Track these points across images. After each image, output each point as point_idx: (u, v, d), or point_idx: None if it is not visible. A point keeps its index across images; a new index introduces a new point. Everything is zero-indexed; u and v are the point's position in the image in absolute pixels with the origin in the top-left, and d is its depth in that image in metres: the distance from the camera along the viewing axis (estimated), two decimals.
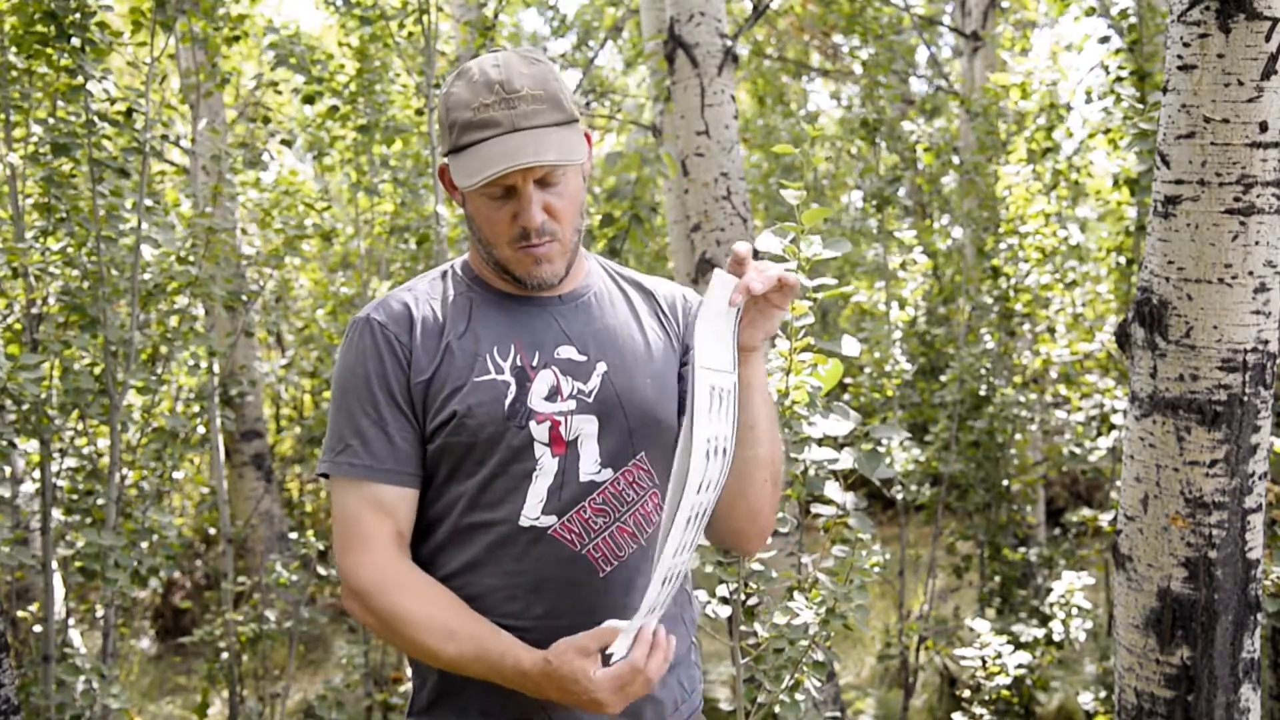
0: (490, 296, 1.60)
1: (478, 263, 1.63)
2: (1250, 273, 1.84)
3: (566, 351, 1.56)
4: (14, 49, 3.30)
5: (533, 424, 1.50)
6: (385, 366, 1.52)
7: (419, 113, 5.03)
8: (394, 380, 1.51)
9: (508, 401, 1.50)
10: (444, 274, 1.64)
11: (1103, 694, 4.40)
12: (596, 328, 1.60)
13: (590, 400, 1.54)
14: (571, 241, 1.55)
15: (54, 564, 3.48)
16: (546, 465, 1.50)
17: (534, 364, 1.54)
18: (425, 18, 4.49)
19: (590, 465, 1.52)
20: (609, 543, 1.51)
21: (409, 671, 1.64)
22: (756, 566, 2.22)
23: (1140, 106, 4.01)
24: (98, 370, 3.59)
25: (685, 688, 1.60)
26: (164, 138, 4.49)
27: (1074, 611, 4.37)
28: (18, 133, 3.49)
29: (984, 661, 3.62)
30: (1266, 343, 1.88)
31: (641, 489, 1.55)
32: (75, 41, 3.27)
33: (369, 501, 1.50)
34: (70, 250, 3.41)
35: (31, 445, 3.55)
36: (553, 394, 1.53)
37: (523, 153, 1.44)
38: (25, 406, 3.20)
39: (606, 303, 1.64)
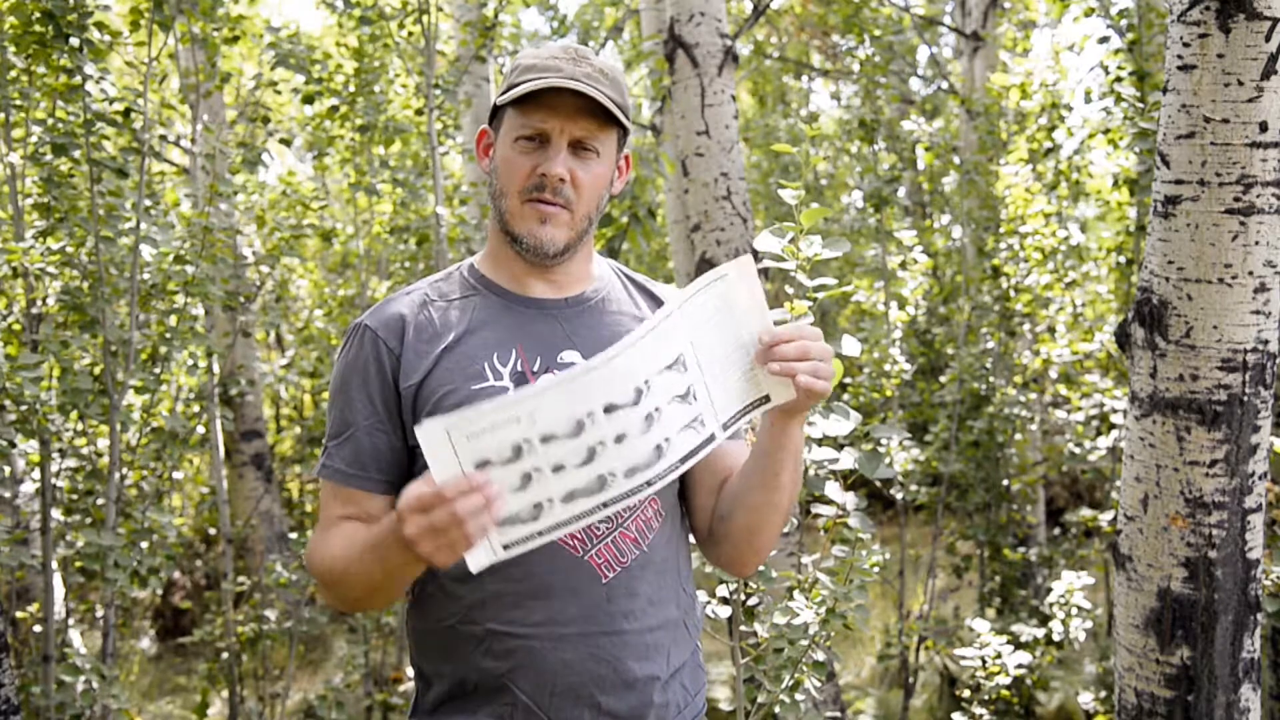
0: (494, 299, 1.59)
1: (486, 264, 1.63)
2: (1250, 273, 1.84)
3: (570, 356, 1.55)
4: (12, 49, 3.30)
5: None
6: (370, 374, 1.54)
7: (419, 113, 5.03)
8: (376, 387, 1.53)
9: None
10: (449, 275, 1.65)
11: (1103, 694, 4.40)
12: (602, 333, 1.59)
13: None
14: (580, 225, 1.55)
15: (54, 564, 3.48)
16: None
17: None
18: (425, 18, 4.49)
19: None
20: (611, 549, 1.51)
21: (409, 671, 1.65)
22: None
23: (1140, 106, 4.01)
24: (97, 370, 3.59)
25: (689, 690, 1.59)
26: (163, 138, 4.49)
27: (1074, 611, 4.37)
28: (17, 133, 3.49)
29: (984, 661, 3.62)
30: (1266, 343, 1.88)
31: None
32: (73, 41, 3.27)
33: (339, 499, 1.55)
34: (69, 250, 3.41)
35: (31, 445, 3.55)
36: None
37: (573, 84, 1.48)
38: (25, 406, 3.20)
39: (613, 308, 1.64)
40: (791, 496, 1.56)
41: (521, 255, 1.56)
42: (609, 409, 1.32)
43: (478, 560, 1.29)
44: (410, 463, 1.55)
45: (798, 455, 1.53)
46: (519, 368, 1.53)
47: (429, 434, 1.26)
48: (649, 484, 1.35)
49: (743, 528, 1.56)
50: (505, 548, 1.30)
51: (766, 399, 1.43)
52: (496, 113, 1.58)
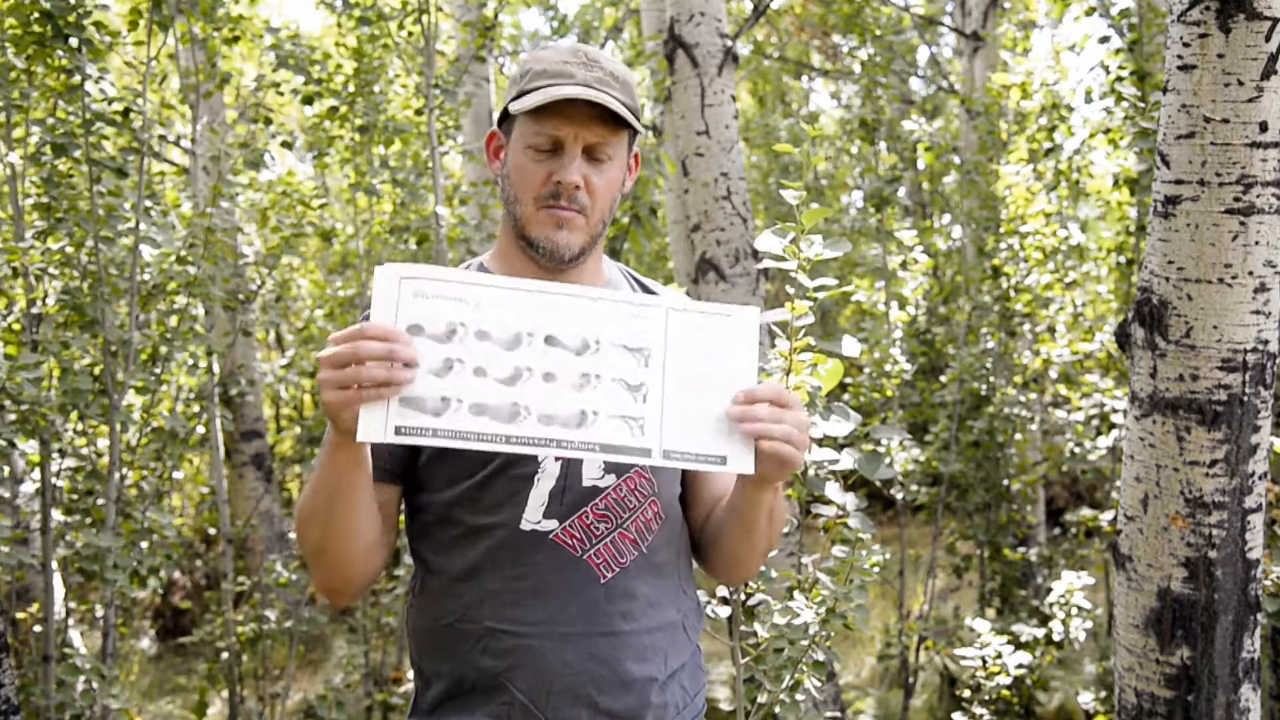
0: None
1: (496, 264, 1.63)
2: (1250, 273, 1.84)
3: None
4: (12, 49, 3.30)
5: None
6: None
7: (419, 113, 5.03)
8: None
9: None
10: None
11: (1103, 694, 4.40)
12: None
13: None
14: (595, 229, 1.55)
15: (54, 564, 3.48)
16: (549, 469, 1.50)
17: None
18: (425, 18, 4.48)
19: (593, 470, 1.52)
20: (610, 549, 1.51)
21: (409, 671, 1.65)
22: None
23: (1140, 106, 4.01)
24: (97, 370, 3.59)
25: (687, 691, 1.59)
26: (162, 138, 4.49)
27: (1074, 611, 4.37)
28: (17, 133, 3.48)
29: (984, 661, 3.62)
30: (1266, 343, 1.88)
31: (643, 496, 1.55)
32: (73, 41, 3.27)
33: None
34: (69, 250, 3.41)
35: (31, 445, 3.55)
36: None
37: (587, 93, 1.47)
38: (25, 406, 3.20)
39: None
40: (770, 542, 1.57)
41: (536, 259, 1.55)
42: (549, 339, 1.34)
43: (367, 428, 1.28)
44: (414, 457, 1.54)
45: (774, 510, 1.52)
46: None
47: (384, 276, 1.30)
48: (559, 444, 1.33)
49: (724, 553, 1.59)
50: (397, 431, 1.29)
51: (724, 461, 1.37)
52: (507, 116, 1.57)
